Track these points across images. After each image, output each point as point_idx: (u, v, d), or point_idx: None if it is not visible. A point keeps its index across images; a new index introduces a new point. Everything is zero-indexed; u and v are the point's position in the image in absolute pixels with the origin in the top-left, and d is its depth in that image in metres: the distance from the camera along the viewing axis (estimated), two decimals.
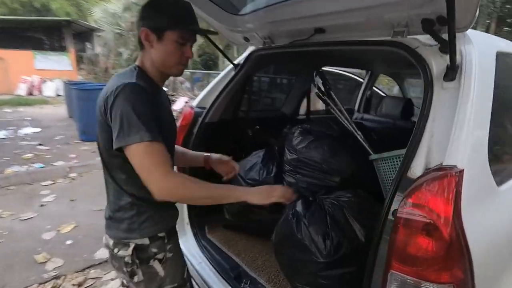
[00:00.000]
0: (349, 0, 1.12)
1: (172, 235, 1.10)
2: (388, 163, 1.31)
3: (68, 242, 2.57)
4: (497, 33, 11.60)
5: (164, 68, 1.02)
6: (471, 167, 0.81)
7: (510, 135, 1.09)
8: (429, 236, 0.79)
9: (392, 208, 0.88)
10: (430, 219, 0.79)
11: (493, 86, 0.93)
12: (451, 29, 0.81)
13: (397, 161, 1.25)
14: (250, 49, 1.80)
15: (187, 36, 1.00)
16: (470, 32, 0.96)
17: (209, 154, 1.35)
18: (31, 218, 2.92)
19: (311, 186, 1.52)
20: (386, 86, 7.59)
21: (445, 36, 0.91)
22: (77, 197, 3.37)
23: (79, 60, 15.18)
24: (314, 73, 1.61)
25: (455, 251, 0.78)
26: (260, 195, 1.04)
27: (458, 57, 0.89)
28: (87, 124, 5.34)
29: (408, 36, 1.05)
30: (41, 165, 4.11)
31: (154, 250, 1.02)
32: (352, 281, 1.14)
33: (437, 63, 0.94)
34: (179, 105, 7.09)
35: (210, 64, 17.89)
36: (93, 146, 5.41)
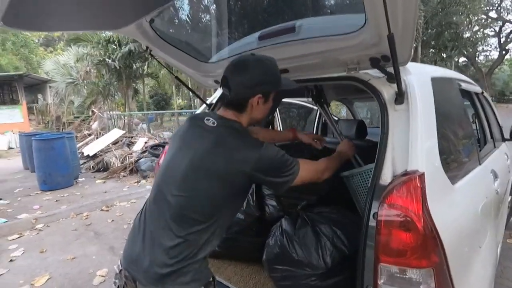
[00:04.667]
0: (308, 46, 1.26)
1: None
2: (358, 178, 1.37)
3: None
4: (424, 54, 13.20)
5: (256, 122, 1.10)
6: (429, 170, 0.96)
7: (453, 142, 1.29)
8: (407, 231, 0.90)
9: (372, 212, 0.98)
10: (405, 216, 0.90)
11: (433, 104, 1.12)
12: (396, 64, 0.97)
13: (367, 175, 1.32)
14: (221, 89, 1.89)
15: None
16: (409, 64, 1.15)
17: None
18: (1, 274, 2.56)
19: (292, 206, 1.59)
20: (334, 110, 8.22)
21: (390, 69, 1.09)
22: (47, 248, 3.02)
23: (29, 111, 14.07)
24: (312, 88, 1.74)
25: (429, 240, 0.89)
26: (350, 150, 1.40)
27: (403, 85, 1.06)
28: (47, 173, 4.90)
29: (360, 71, 1.21)
30: (4, 220, 3.66)
31: None
32: (344, 285, 1.19)
33: (387, 91, 1.10)
34: (139, 145, 6.86)
35: (163, 104, 17.75)
36: (56, 195, 4.95)
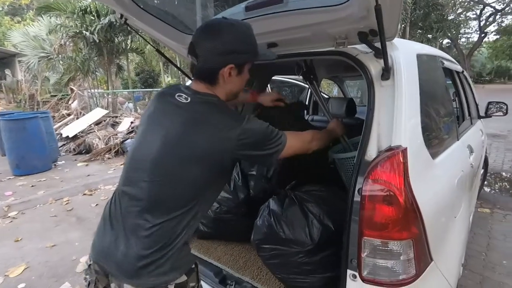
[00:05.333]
0: (296, 18, 1.22)
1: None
2: (351, 161, 1.34)
3: (21, 286, 2.19)
4: (412, 35, 13.48)
5: (233, 96, 1.01)
6: (412, 145, 0.97)
7: (434, 118, 1.32)
8: (389, 205, 0.92)
9: (357, 187, 0.99)
10: (388, 190, 0.92)
11: (418, 81, 1.13)
12: (383, 39, 0.96)
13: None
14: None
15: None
16: (395, 40, 1.14)
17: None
18: None
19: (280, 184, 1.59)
20: (326, 89, 8.26)
21: (377, 44, 1.07)
22: (23, 236, 2.89)
23: None
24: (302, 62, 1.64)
25: (410, 213, 0.92)
26: (339, 128, 1.39)
27: (389, 60, 1.05)
28: (20, 156, 4.62)
29: (348, 46, 1.19)
30: None
31: (191, 284, 0.93)
32: (330, 261, 1.22)
33: (374, 66, 1.10)
34: (125, 125, 6.59)
35: (151, 82, 17.04)
36: (32, 180, 4.70)
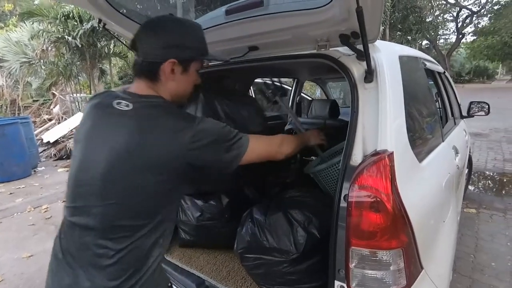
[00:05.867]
0: (277, 21, 1.19)
1: None
2: (326, 172, 1.34)
3: None
4: (392, 37, 13.82)
5: (179, 99, 0.92)
6: (398, 149, 0.94)
7: (419, 120, 1.30)
8: (377, 212, 0.88)
9: (343, 193, 0.95)
10: (375, 197, 0.88)
11: (401, 82, 1.10)
12: (365, 41, 0.93)
13: (334, 169, 1.30)
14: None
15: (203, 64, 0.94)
16: (377, 42, 1.11)
17: None
18: None
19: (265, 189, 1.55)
20: (309, 91, 8.28)
21: (359, 46, 1.05)
22: None
23: None
24: (263, 84, 1.63)
25: (398, 220, 0.88)
26: (315, 138, 1.32)
27: (372, 63, 1.02)
28: None
29: (330, 49, 1.16)
30: None
31: None
32: (316, 270, 1.18)
33: (357, 69, 1.06)
34: None
35: None
36: (10, 187, 4.53)
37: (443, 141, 1.58)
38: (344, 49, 1.14)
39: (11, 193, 4.07)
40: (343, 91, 4.57)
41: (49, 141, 6.20)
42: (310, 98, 3.91)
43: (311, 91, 8.82)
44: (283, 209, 1.27)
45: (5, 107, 12.60)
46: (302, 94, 3.47)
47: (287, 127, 2.66)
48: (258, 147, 0.95)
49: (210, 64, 1.64)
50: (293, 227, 1.21)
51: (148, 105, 0.82)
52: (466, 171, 2.46)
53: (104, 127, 0.82)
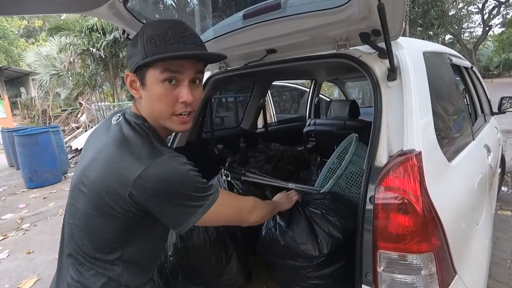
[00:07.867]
0: (295, 23, 1.18)
1: None
2: (337, 186, 1.33)
3: None
4: (412, 33, 13.27)
5: (159, 121, 0.75)
6: (426, 148, 0.90)
7: (447, 118, 1.24)
8: (405, 214, 0.84)
9: (368, 195, 0.92)
10: (403, 198, 0.85)
11: (427, 80, 1.06)
12: (387, 39, 0.91)
13: (343, 180, 1.29)
14: (207, 74, 1.79)
15: (175, 67, 0.69)
16: (400, 39, 1.08)
17: None
18: None
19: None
20: (327, 92, 8.17)
21: (381, 44, 1.02)
22: (35, 249, 2.91)
23: (13, 106, 13.56)
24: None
25: (429, 222, 0.84)
26: (287, 203, 1.22)
27: (395, 60, 0.99)
28: (33, 170, 4.71)
29: (350, 48, 1.14)
30: None
31: None
32: (342, 274, 1.15)
33: (379, 67, 1.03)
34: None
35: None
36: (43, 192, 4.76)
37: (473, 140, 1.50)
38: (364, 48, 1.12)
39: (44, 198, 4.29)
40: (362, 91, 4.46)
41: (77, 148, 6.52)
42: (328, 99, 3.85)
43: (329, 92, 8.69)
44: (305, 213, 1.25)
45: (37, 117, 13.43)
46: (320, 95, 3.42)
47: (306, 129, 2.63)
48: (222, 209, 0.80)
49: (228, 69, 1.66)
50: (316, 232, 1.17)
51: (126, 123, 0.75)
52: (499, 170, 2.31)
53: (92, 142, 0.82)
